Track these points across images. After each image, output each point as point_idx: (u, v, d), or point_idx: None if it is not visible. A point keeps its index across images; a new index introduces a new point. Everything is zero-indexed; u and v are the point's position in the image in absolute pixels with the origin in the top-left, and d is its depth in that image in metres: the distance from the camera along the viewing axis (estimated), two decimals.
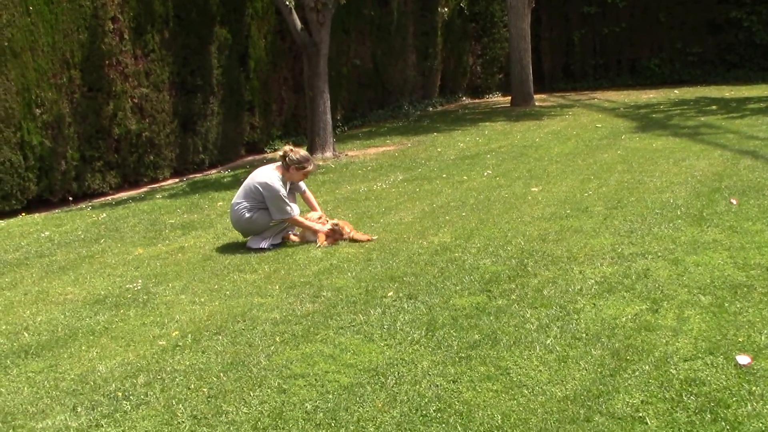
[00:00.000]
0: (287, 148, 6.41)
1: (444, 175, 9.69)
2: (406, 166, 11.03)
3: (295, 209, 6.60)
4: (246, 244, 6.50)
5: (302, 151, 6.48)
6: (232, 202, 6.50)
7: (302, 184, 6.64)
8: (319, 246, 6.23)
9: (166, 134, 12.19)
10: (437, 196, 8.21)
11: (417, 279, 5.02)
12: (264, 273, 5.62)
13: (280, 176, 6.34)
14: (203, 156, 13.13)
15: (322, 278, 5.29)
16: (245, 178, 6.68)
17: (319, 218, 6.49)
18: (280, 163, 6.43)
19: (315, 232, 6.41)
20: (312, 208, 6.79)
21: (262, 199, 6.26)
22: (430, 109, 20.19)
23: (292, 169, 6.36)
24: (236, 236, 6.86)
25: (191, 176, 12.57)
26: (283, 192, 6.29)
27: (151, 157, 11.94)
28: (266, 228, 6.38)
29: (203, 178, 12.07)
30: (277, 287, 5.17)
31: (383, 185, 9.38)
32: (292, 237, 6.56)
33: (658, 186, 7.40)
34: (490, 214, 6.94)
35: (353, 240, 6.35)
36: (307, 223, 6.44)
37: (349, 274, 5.33)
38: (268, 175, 6.31)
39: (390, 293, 4.77)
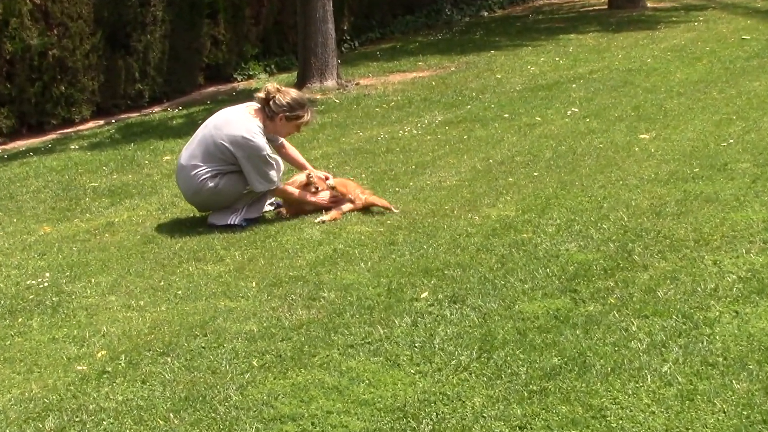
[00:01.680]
0: (271, 87, 6.41)
1: (506, 115, 9.64)
2: (447, 101, 10.99)
3: (280, 169, 6.62)
4: (207, 219, 6.53)
5: (293, 92, 6.46)
6: (182, 162, 6.49)
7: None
8: (326, 220, 6.26)
9: (85, 53, 12.24)
10: (495, 147, 8.18)
11: (465, 273, 5.02)
12: (234, 263, 5.64)
13: (259, 125, 6.36)
14: (141, 86, 13.18)
15: (322, 271, 5.31)
16: (204, 122, 6.69)
17: (308, 182, 6.46)
18: (258, 106, 6.44)
19: (317, 206, 6.45)
20: (298, 167, 6.78)
21: (234, 160, 6.29)
22: (485, 13, 20.03)
23: (279, 118, 6.36)
24: (190, 207, 6.89)
25: (123, 117, 12.63)
26: (268, 151, 6.31)
27: (62, 88, 12.01)
28: (237, 198, 6.41)
29: (141, 120, 12.10)
30: (255, 284, 5.20)
31: (413, 130, 9.36)
32: (283, 210, 6.60)
33: None
34: (577, 174, 6.92)
35: (367, 207, 6.39)
36: (301, 195, 6.46)
37: (362, 264, 5.34)
38: (244, 124, 6.29)
39: (424, 294, 4.77)
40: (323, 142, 9.14)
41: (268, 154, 6.25)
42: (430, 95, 11.39)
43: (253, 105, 6.44)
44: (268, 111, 6.35)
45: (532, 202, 6.27)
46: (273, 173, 6.30)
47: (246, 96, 11.22)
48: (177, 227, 6.55)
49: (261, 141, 6.23)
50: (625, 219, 5.68)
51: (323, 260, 5.50)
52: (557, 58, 13.39)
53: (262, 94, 6.40)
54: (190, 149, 6.47)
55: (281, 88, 6.40)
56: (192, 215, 6.81)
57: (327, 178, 6.58)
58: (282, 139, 6.66)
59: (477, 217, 6.03)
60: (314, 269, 5.35)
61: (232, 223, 6.38)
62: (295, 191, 6.51)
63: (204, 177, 6.33)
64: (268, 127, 6.38)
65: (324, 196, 6.49)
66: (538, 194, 6.45)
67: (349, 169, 7.81)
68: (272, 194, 6.50)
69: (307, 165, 6.78)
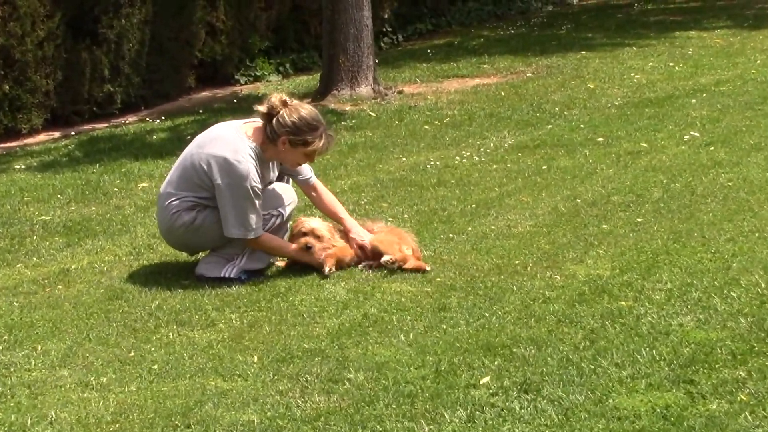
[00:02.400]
0: (277, 99, 6.41)
1: (599, 139, 9.61)
2: (521, 118, 10.98)
3: (288, 199, 6.65)
4: (195, 269, 6.58)
5: (305, 109, 6.45)
6: (162, 190, 6.59)
7: (306, 168, 6.69)
8: (328, 270, 6.33)
9: (38, 42, 12.30)
10: (585, 183, 8.17)
11: (540, 352, 4.99)
12: (230, 329, 5.64)
13: (255, 148, 6.39)
14: (112, 88, 13.23)
15: (348, 344, 5.29)
16: (193, 139, 6.73)
17: (305, 232, 6.48)
18: (259, 122, 6.49)
19: (317, 263, 6.45)
20: (333, 219, 6.80)
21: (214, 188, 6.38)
22: (574, 0, 20.04)
23: (281, 142, 6.38)
24: (173, 252, 6.94)
25: (86, 128, 12.68)
26: (255, 182, 6.31)
27: (6, 88, 12.05)
28: (225, 240, 6.45)
29: (110, 133, 12.15)
30: (256, 359, 5.18)
31: (474, 156, 9.35)
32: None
33: None
34: (695, 221, 6.89)
35: (403, 267, 6.40)
36: (294, 250, 6.47)
37: (401, 336, 5.32)
38: (232, 143, 6.36)
39: (485, 379, 4.75)
40: (353, 170, 9.14)
41: (253, 187, 6.26)
42: (497, 110, 11.38)
43: (255, 122, 6.49)
44: (270, 131, 6.38)
45: (634, 258, 6.23)
46: (254, 218, 6.30)
47: (251, 105, 11.31)
48: (154, 279, 6.55)
49: (247, 168, 6.24)
50: (763, 285, 5.61)
51: (349, 329, 5.49)
52: (671, 63, 13.35)
53: (263, 108, 6.41)
54: (169, 174, 6.60)
55: (290, 102, 6.41)
56: (176, 260, 6.83)
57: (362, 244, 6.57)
58: (312, 177, 6.71)
59: (558, 277, 6.00)
60: (337, 341, 5.33)
61: (227, 275, 6.41)
62: (284, 246, 6.53)
63: (177, 209, 6.39)
64: (268, 152, 6.41)
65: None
66: (641, 248, 6.41)
67: (387, 206, 7.82)
68: (253, 245, 6.48)
69: (348, 220, 6.72)
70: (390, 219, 7.33)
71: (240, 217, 6.30)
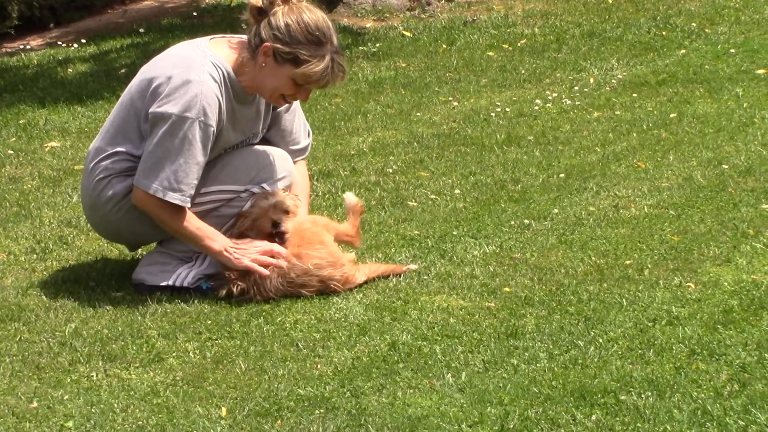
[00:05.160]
0: None
1: (759, 71, 9.67)
2: (637, 38, 11.02)
3: (278, 170, 6.71)
4: (133, 274, 6.62)
5: (312, 13, 6.48)
6: (91, 146, 6.65)
7: (302, 131, 6.85)
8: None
9: None
10: (736, 139, 8.21)
11: (662, 402, 4.95)
12: (186, 366, 5.65)
13: (221, 67, 6.42)
14: None
15: (365, 389, 5.26)
16: (137, 72, 6.76)
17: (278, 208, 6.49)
18: (239, 37, 6.57)
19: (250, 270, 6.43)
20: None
21: None
22: None
23: (264, 53, 6.40)
24: (99, 247, 7.03)
25: None
26: (207, 116, 6.28)
27: None
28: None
29: (2, 65, 12.27)
30: (225, 412, 5.16)
31: (564, 98, 9.43)
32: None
33: None
34: None
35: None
36: (209, 240, 6.42)
37: (448, 377, 5.29)
38: (184, 57, 6.45)
39: None
40: (376, 120, 9.14)
41: (202, 122, 6.24)
42: (601, 26, 11.40)
43: (234, 37, 6.56)
44: (254, 36, 6.41)
45: None
46: (187, 174, 6.26)
47: (221, 19, 11.32)
48: (69, 290, 6.58)
49: (199, 91, 6.25)
50: None
51: (368, 366, 5.50)
52: None
53: (258, 1, 6.36)
54: (107, 120, 6.66)
55: (296, 1, 6.39)
56: (103, 259, 6.89)
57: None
58: (307, 151, 6.84)
59: (692, 285, 6.02)
60: (349, 384, 5.34)
61: (179, 283, 6.47)
62: (209, 233, 6.46)
63: (106, 174, 6.44)
64: (246, 74, 6.42)
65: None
66: None
67: (428, 177, 7.84)
68: (167, 224, 6.42)
69: (304, 192, 6.86)
70: (433, 196, 7.33)
71: (165, 165, 6.26)
